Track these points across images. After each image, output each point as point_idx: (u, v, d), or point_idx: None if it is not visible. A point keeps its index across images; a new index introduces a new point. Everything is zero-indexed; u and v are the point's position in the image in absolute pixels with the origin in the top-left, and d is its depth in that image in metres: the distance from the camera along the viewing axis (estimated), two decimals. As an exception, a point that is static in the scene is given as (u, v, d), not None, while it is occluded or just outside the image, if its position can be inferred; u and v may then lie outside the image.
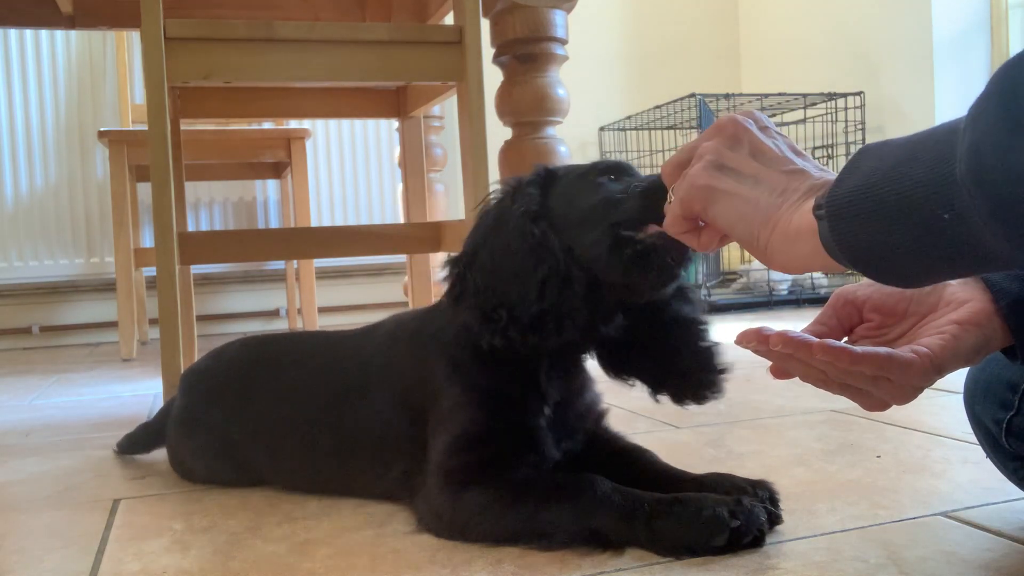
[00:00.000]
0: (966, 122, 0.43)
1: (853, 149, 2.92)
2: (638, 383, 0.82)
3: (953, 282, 0.61)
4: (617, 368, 0.82)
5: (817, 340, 0.56)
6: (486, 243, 0.77)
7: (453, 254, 0.80)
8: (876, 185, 0.46)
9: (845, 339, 0.64)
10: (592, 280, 0.73)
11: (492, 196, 0.81)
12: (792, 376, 0.61)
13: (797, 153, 0.57)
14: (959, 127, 0.43)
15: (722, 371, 0.79)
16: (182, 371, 1.11)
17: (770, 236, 0.53)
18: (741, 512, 0.68)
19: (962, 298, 0.60)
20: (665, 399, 0.80)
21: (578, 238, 0.73)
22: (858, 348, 0.56)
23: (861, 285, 0.65)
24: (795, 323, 2.55)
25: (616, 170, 0.77)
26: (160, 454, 1.08)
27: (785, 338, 0.57)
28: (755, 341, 0.58)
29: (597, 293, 0.74)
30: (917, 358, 0.56)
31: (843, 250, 0.48)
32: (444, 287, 0.80)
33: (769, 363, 0.61)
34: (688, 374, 0.79)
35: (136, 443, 1.13)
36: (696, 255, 0.73)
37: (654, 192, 0.69)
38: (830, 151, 2.96)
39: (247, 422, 0.95)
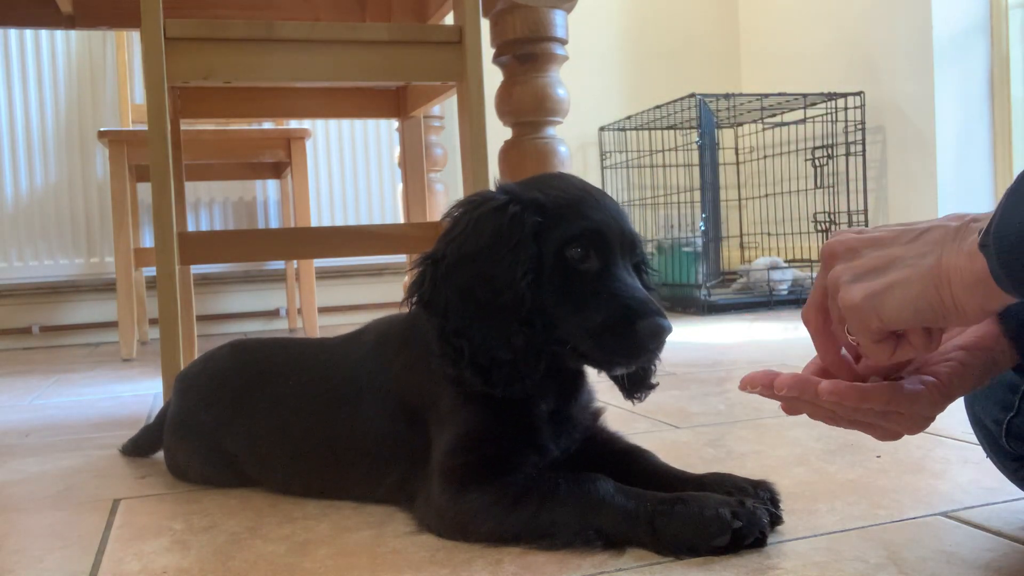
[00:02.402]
0: None
1: (853, 149, 2.93)
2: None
3: None
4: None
5: (824, 381, 0.55)
6: (472, 262, 0.75)
7: (427, 251, 0.79)
8: None
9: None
10: (563, 352, 0.76)
11: (483, 204, 0.77)
12: (802, 413, 0.60)
13: (906, 224, 0.55)
14: None
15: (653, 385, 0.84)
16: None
17: (951, 292, 0.50)
18: (744, 513, 0.68)
19: None
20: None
21: (558, 323, 0.74)
22: (864, 385, 0.55)
23: None
24: (795, 323, 2.54)
25: (591, 242, 0.75)
26: (161, 454, 1.09)
27: (791, 383, 0.56)
28: (760, 386, 0.57)
29: (563, 356, 0.77)
30: (925, 389, 0.55)
31: (1012, 282, 0.46)
32: (410, 282, 0.79)
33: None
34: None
35: (139, 446, 1.14)
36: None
37: (608, 342, 0.73)
38: (830, 151, 2.95)
39: (237, 428, 0.95)
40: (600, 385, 0.88)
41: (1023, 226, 0.44)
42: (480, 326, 0.74)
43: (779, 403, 0.61)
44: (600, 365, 0.77)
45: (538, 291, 0.74)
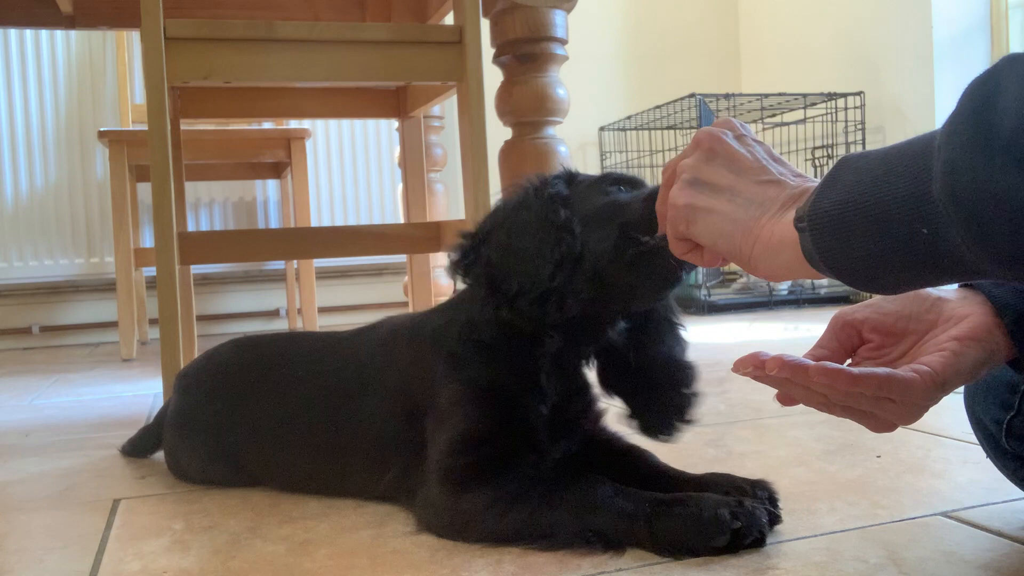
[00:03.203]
0: (940, 139, 0.43)
1: (853, 149, 2.92)
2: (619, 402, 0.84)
3: (952, 298, 0.61)
4: (607, 384, 0.84)
5: (814, 363, 0.56)
6: (504, 223, 0.78)
7: (467, 230, 0.81)
8: (856, 200, 0.47)
9: (848, 361, 0.64)
10: (599, 277, 0.74)
11: (515, 187, 0.82)
12: (798, 403, 0.60)
13: (774, 159, 0.58)
14: (934, 143, 0.44)
15: (688, 421, 0.81)
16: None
17: (752, 248, 0.54)
18: (742, 513, 0.68)
19: (961, 313, 0.59)
20: (634, 425, 0.83)
21: (589, 237, 0.75)
22: (857, 369, 0.55)
23: (859, 307, 0.64)
24: (795, 323, 2.54)
25: (627, 182, 0.79)
26: (162, 454, 1.08)
27: (781, 363, 0.56)
28: (752, 367, 0.57)
29: (603, 290, 0.75)
30: (918, 377, 0.55)
31: (825, 262, 0.49)
32: (453, 257, 0.80)
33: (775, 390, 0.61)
34: (661, 415, 0.81)
35: (138, 447, 1.14)
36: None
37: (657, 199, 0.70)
38: (830, 151, 2.95)
39: (241, 424, 0.95)
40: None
41: (833, 209, 0.48)
42: (526, 268, 0.74)
43: (775, 394, 0.62)
44: (643, 266, 0.72)
45: (574, 226, 0.75)
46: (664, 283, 0.74)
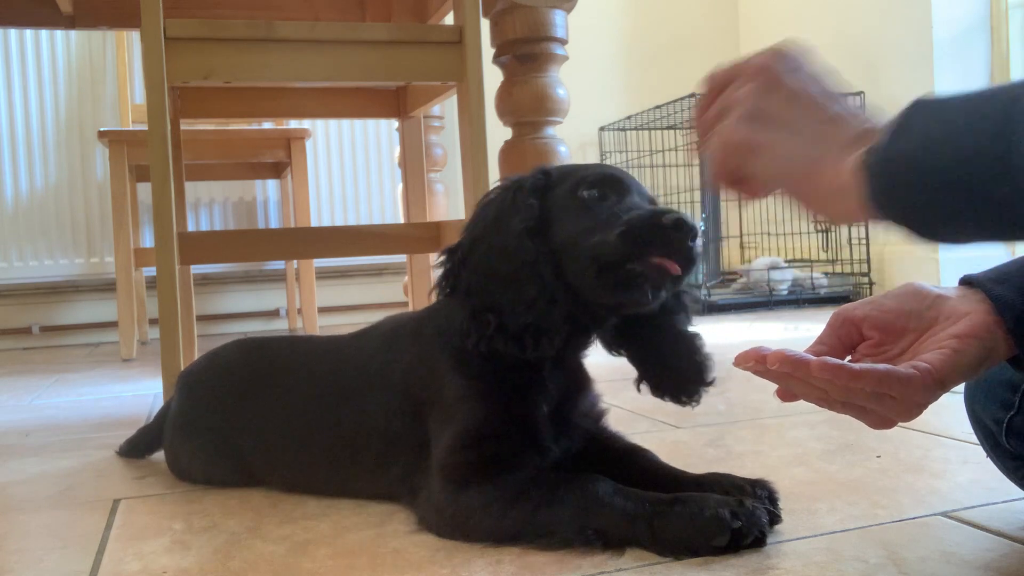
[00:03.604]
0: None
1: (853, 149, 2.92)
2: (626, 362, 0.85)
3: (952, 296, 0.61)
4: (611, 344, 0.85)
5: (815, 358, 0.56)
6: (483, 240, 0.78)
7: (450, 245, 0.81)
8: (929, 153, 0.45)
9: (848, 358, 0.64)
10: (579, 299, 0.76)
11: (492, 192, 0.82)
12: (799, 398, 0.60)
13: (832, 96, 0.56)
14: (1019, 98, 0.42)
15: (710, 383, 0.81)
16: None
17: (812, 190, 0.52)
18: (743, 513, 0.68)
19: (961, 311, 0.59)
20: (646, 389, 0.83)
21: (567, 262, 0.75)
22: (856, 365, 0.55)
23: (859, 304, 0.64)
24: (795, 323, 2.54)
25: (608, 184, 0.77)
26: (160, 455, 1.08)
27: (782, 357, 0.56)
28: (753, 361, 0.57)
29: (585, 309, 0.77)
30: (917, 373, 0.55)
31: (890, 213, 0.48)
32: (437, 276, 0.81)
33: (775, 385, 0.61)
34: (679, 378, 0.82)
35: (136, 447, 1.13)
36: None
37: (636, 236, 0.71)
38: (830, 151, 2.95)
39: (244, 424, 0.95)
40: (601, 386, 0.88)
41: (902, 160, 0.46)
42: (504, 297, 0.75)
43: (775, 390, 0.62)
44: (626, 288, 0.73)
45: (546, 237, 0.75)
46: (644, 302, 0.74)
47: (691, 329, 0.82)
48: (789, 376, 0.57)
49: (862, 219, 0.51)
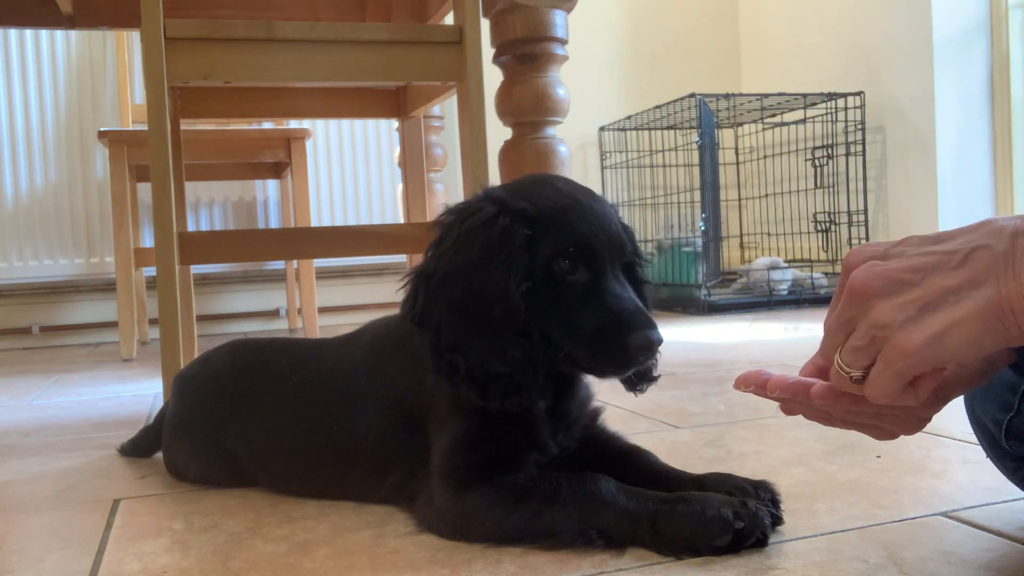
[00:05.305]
0: None
1: (853, 149, 2.93)
2: None
3: None
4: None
5: (816, 382, 0.55)
6: (462, 279, 0.73)
7: (420, 265, 0.77)
8: None
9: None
10: (557, 360, 0.75)
11: (475, 219, 0.75)
12: (799, 413, 0.60)
13: (930, 240, 0.51)
14: None
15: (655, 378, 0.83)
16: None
17: (1015, 317, 0.48)
18: (746, 513, 0.68)
19: None
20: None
21: (548, 338, 0.74)
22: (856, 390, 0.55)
23: None
24: (795, 323, 2.53)
25: (581, 255, 0.74)
26: (160, 455, 1.08)
27: (783, 385, 0.56)
28: (754, 386, 0.57)
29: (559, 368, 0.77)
30: (916, 395, 0.55)
31: None
32: (403, 297, 0.77)
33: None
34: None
35: (138, 447, 1.14)
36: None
37: (598, 352, 0.73)
38: (830, 151, 2.96)
39: (237, 428, 0.95)
40: (602, 385, 0.88)
41: None
42: (474, 341, 0.73)
43: (777, 403, 0.62)
44: (594, 373, 0.77)
45: (532, 302, 0.73)
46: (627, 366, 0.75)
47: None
48: (790, 400, 0.57)
49: None
